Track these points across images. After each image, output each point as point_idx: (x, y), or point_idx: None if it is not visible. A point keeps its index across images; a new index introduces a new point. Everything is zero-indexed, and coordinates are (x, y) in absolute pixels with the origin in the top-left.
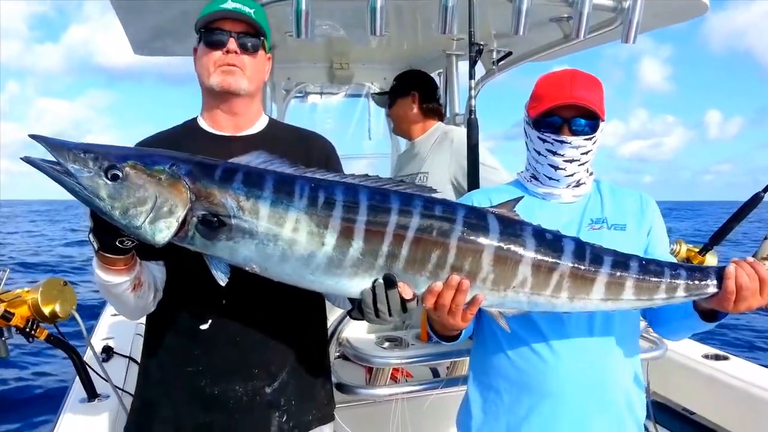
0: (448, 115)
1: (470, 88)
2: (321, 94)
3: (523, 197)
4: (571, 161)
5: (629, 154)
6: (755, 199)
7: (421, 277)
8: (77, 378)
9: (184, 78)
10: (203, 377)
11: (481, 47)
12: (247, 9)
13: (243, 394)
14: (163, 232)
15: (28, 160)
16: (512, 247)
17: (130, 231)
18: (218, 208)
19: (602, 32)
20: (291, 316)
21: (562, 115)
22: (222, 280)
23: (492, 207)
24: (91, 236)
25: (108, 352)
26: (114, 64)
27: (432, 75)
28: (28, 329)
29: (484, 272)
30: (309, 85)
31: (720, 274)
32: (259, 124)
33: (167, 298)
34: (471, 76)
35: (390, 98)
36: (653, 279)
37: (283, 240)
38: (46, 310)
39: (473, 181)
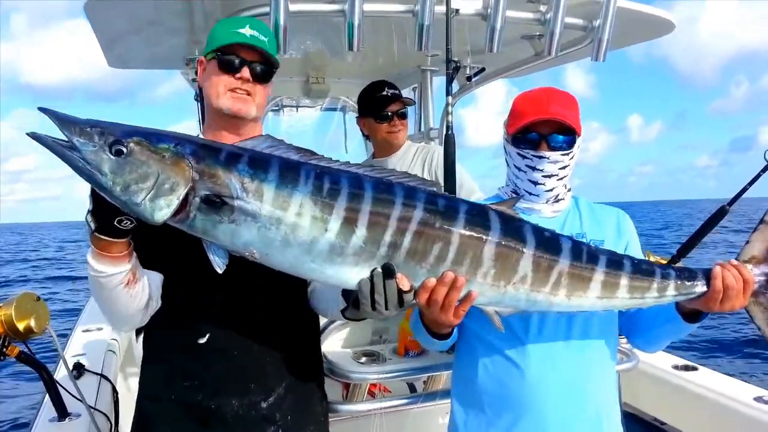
0: (422, 129)
1: (447, 105)
2: (297, 107)
3: (522, 196)
4: (550, 176)
5: None
6: (721, 212)
7: (422, 269)
8: (47, 396)
9: (116, 94)
10: (200, 392)
11: (458, 64)
12: (262, 37)
13: (239, 408)
14: (163, 210)
15: (34, 136)
16: (513, 243)
17: (130, 208)
18: (222, 189)
19: (573, 50)
20: (288, 331)
21: (539, 131)
22: (219, 266)
23: (492, 204)
24: (89, 217)
25: (79, 369)
26: (42, 82)
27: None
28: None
29: (485, 267)
30: (285, 99)
31: (707, 274)
32: None
33: (165, 312)
34: (448, 92)
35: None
36: (646, 278)
37: (286, 224)
38: (21, 325)
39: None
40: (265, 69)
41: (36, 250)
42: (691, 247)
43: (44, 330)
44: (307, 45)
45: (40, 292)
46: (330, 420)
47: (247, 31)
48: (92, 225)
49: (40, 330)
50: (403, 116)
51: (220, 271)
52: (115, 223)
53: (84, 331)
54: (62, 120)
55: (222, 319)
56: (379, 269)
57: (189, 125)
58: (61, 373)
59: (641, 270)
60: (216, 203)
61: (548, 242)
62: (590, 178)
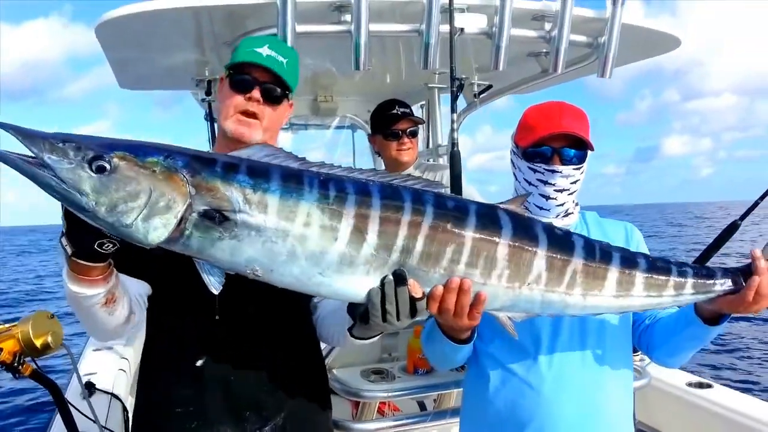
0: (430, 146)
1: (453, 122)
2: (306, 126)
3: (530, 194)
4: (561, 191)
5: (476, 166)
6: (732, 228)
7: (435, 273)
8: (57, 415)
9: (23, 92)
10: (193, 419)
11: (463, 82)
12: (280, 58)
13: None
14: (158, 231)
15: None
16: (527, 242)
17: (117, 230)
18: (222, 203)
19: (579, 67)
20: (289, 358)
21: (552, 145)
22: (215, 287)
23: (502, 203)
24: (63, 240)
25: (90, 388)
26: None
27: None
28: (15, 364)
29: (500, 268)
30: (293, 118)
31: (728, 273)
32: None
33: (159, 334)
34: (453, 110)
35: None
36: (662, 276)
37: (294, 236)
38: (38, 342)
39: None
40: (277, 91)
41: None
42: (704, 263)
43: (60, 346)
44: (315, 64)
45: None
46: None
47: (264, 50)
48: (68, 249)
49: (57, 346)
50: (413, 135)
51: (215, 292)
52: (95, 246)
53: (95, 350)
54: (27, 135)
55: (217, 344)
56: (391, 277)
57: (102, 126)
58: (72, 392)
59: (657, 267)
60: (215, 219)
61: (561, 240)
62: (507, 186)
